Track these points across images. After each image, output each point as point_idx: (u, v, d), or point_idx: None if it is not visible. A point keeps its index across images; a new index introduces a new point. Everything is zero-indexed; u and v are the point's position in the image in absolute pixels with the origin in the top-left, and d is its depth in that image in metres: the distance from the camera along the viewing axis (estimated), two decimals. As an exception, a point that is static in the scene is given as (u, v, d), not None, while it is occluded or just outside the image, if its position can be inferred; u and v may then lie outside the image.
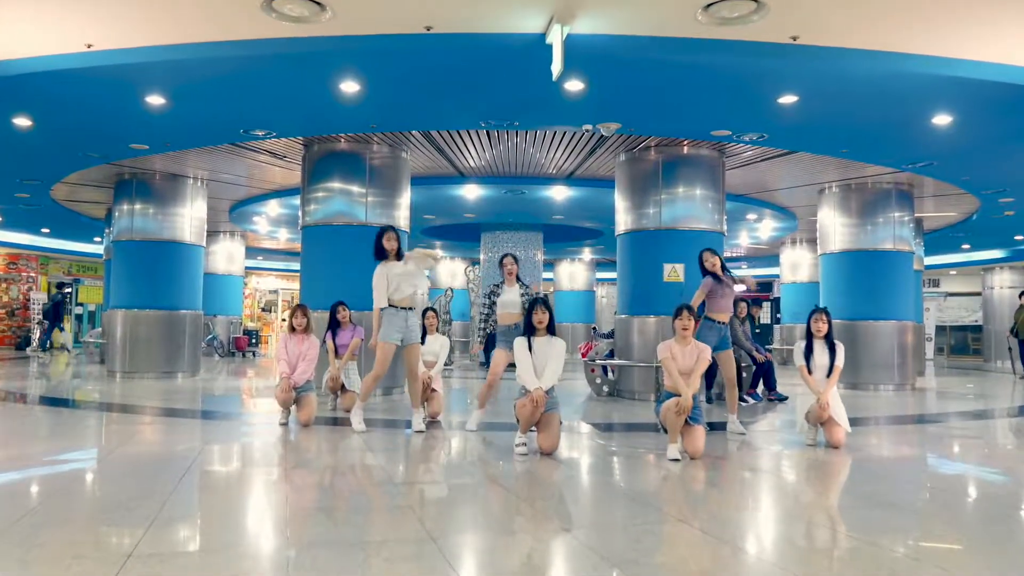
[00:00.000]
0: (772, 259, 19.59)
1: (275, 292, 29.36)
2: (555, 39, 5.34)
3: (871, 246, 11.00)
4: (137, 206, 11.19)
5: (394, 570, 2.86)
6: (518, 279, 6.56)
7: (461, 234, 16.72)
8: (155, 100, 6.85)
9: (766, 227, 15.27)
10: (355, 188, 9.12)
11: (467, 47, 5.73)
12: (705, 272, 6.52)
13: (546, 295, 7.15)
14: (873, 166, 9.72)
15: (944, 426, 7.50)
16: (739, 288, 6.88)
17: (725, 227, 9.45)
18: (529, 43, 5.58)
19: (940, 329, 22.87)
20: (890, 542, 3.30)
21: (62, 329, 19.23)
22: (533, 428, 5.40)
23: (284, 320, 24.08)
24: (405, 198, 9.53)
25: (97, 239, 17.28)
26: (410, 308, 6.30)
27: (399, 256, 6.31)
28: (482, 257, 16.31)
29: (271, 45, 5.77)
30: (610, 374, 9.54)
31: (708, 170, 9.25)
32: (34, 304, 19.80)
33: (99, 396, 9.07)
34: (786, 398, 9.15)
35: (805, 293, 16.97)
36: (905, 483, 4.78)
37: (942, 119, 7.12)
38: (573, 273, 22.69)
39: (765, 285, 23.81)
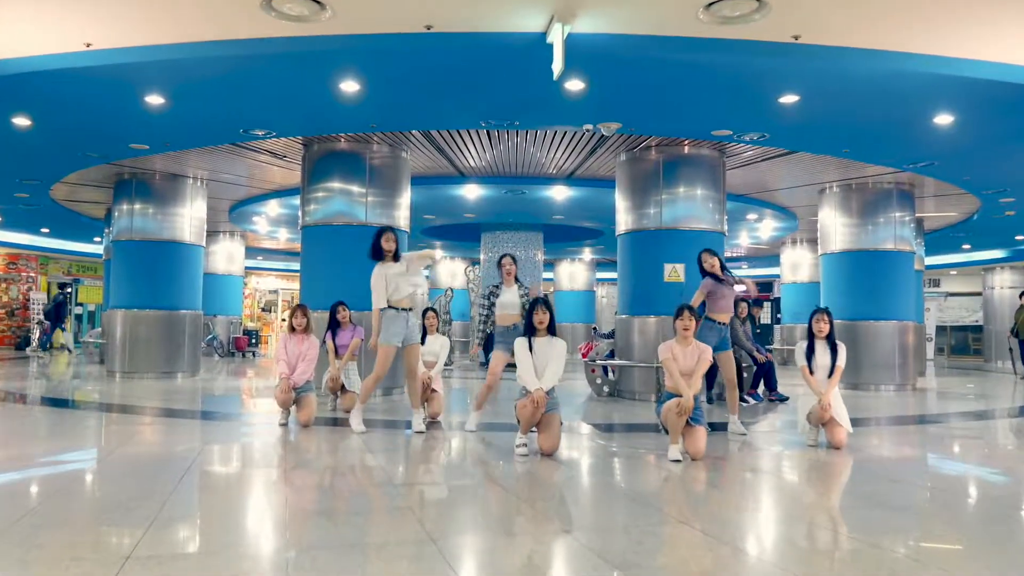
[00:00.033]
0: (772, 259, 19.57)
1: (275, 292, 29.36)
2: (556, 38, 5.32)
3: (872, 246, 11.00)
4: (137, 206, 11.19)
5: (394, 571, 2.85)
6: (517, 280, 6.54)
7: (461, 234, 16.71)
8: (155, 100, 6.85)
9: (767, 227, 15.27)
10: (355, 188, 9.11)
11: (467, 46, 5.72)
12: (704, 273, 6.51)
13: (546, 295, 7.13)
14: (874, 166, 9.72)
15: (945, 426, 7.49)
16: (739, 289, 6.87)
17: (726, 227, 9.44)
18: (530, 42, 5.57)
19: (941, 329, 22.85)
20: (891, 543, 3.29)
21: (64, 329, 19.22)
22: (534, 429, 5.39)
23: (284, 320, 24.08)
24: (405, 198, 9.52)
25: (97, 239, 17.27)
26: (409, 309, 6.28)
27: (396, 257, 6.28)
28: (482, 257, 16.29)
29: (271, 44, 5.76)
30: (610, 374, 9.53)
31: (709, 170, 9.24)
32: (34, 304, 19.77)
33: (99, 396, 9.05)
34: (787, 398, 9.13)
35: (806, 293, 16.94)
36: (906, 484, 4.77)
37: (943, 119, 7.12)
38: (573, 273, 22.67)
39: (765, 285, 23.79)
